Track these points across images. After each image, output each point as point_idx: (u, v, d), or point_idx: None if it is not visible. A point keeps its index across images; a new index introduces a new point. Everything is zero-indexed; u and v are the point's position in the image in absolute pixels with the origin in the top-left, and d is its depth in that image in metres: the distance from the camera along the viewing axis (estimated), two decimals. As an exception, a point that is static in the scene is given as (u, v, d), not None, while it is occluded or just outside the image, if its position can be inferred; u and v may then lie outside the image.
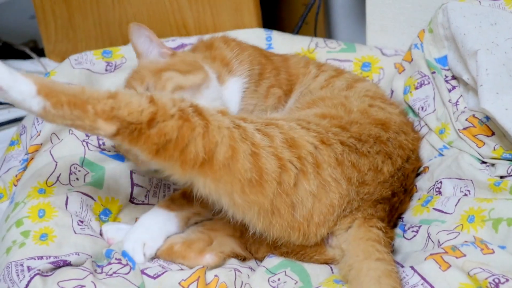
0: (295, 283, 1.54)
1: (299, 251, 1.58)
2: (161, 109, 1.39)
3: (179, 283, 1.50)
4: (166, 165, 1.42)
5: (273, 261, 1.59)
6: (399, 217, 1.73)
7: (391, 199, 1.62)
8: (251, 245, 1.65)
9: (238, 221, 1.50)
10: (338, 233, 1.54)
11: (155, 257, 1.63)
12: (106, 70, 2.11)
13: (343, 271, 1.49)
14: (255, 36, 2.24)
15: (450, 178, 1.68)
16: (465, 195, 1.63)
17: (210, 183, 1.42)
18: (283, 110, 1.84)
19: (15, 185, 1.84)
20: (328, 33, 2.99)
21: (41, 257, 1.52)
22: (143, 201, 1.82)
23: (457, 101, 1.79)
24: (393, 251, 1.60)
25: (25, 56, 2.73)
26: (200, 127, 1.40)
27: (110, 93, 1.39)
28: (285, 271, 1.55)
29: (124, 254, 1.60)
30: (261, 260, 1.64)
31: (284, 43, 2.23)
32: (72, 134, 1.88)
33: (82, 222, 1.65)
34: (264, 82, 1.86)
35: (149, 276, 1.53)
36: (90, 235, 1.64)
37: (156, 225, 1.64)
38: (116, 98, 1.38)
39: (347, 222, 1.53)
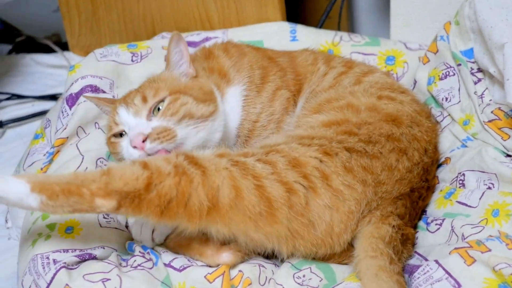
0: (320, 280, 1.53)
1: (329, 259, 1.58)
2: (155, 172, 1.40)
3: (205, 277, 1.51)
4: (174, 223, 1.43)
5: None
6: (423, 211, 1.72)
7: (411, 195, 1.61)
8: None
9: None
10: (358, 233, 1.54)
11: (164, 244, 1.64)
12: (132, 61, 2.11)
13: (355, 270, 1.50)
14: (280, 29, 2.24)
15: (473, 170, 1.67)
16: (489, 188, 1.62)
17: (222, 227, 1.42)
18: (293, 114, 1.83)
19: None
20: (352, 28, 2.99)
21: (67, 250, 1.52)
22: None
23: (482, 94, 1.78)
24: (414, 245, 1.60)
25: (48, 50, 2.75)
26: (198, 176, 1.41)
27: (103, 171, 1.40)
28: (310, 268, 1.55)
29: (145, 248, 1.61)
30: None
31: (308, 36, 2.22)
32: (98, 128, 1.90)
33: (108, 215, 1.66)
34: (268, 85, 1.84)
35: (174, 268, 1.54)
36: (116, 228, 1.66)
37: None
38: (110, 174, 1.39)
39: (366, 221, 1.52)
